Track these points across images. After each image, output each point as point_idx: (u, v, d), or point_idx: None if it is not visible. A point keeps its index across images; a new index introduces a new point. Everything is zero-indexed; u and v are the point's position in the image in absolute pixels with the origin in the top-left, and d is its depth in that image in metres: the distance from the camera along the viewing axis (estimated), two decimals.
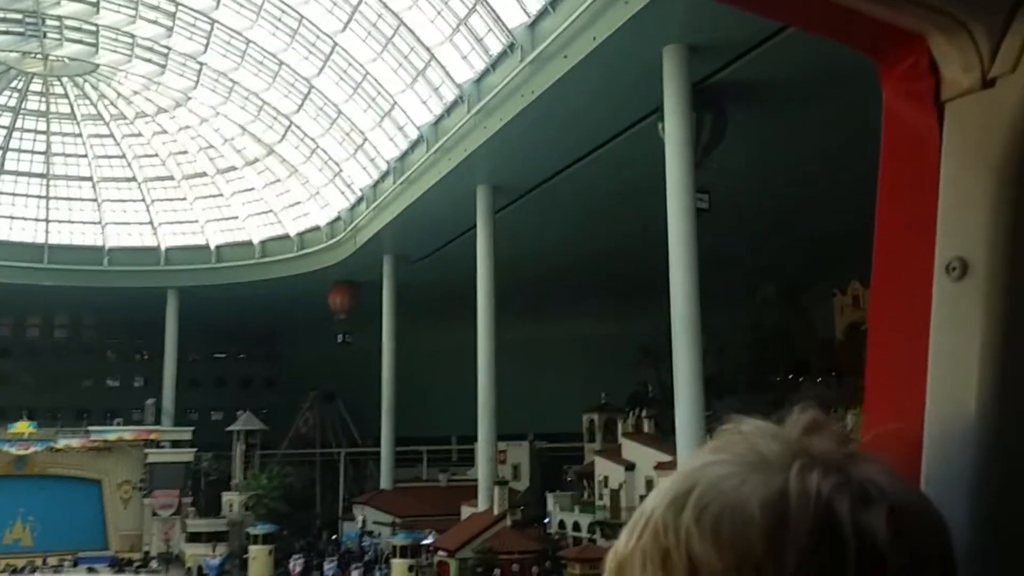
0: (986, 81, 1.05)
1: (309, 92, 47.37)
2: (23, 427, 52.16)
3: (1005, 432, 0.97)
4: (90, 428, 55.33)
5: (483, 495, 40.08)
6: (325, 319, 59.92)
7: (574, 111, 31.55)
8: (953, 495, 0.90)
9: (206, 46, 47.83)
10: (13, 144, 59.56)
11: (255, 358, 77.54)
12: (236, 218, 62.41)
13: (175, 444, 57.12)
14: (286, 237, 60.43)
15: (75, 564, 48.57)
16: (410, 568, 34.17)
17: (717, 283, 42.24)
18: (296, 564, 39.50)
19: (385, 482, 53.02)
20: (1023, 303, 1.00)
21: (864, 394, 1.14)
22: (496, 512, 38.35)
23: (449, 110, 39.18)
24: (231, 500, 51.51)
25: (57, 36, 50.15)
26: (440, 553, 37.80)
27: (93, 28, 48.73)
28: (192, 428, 58.46)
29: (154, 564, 48.54)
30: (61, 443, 52.65)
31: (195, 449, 56.31)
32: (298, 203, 58.70)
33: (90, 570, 47.72)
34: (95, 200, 63.25)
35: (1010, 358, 0.99)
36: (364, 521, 49.48)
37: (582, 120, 32.30)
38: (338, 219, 55.19)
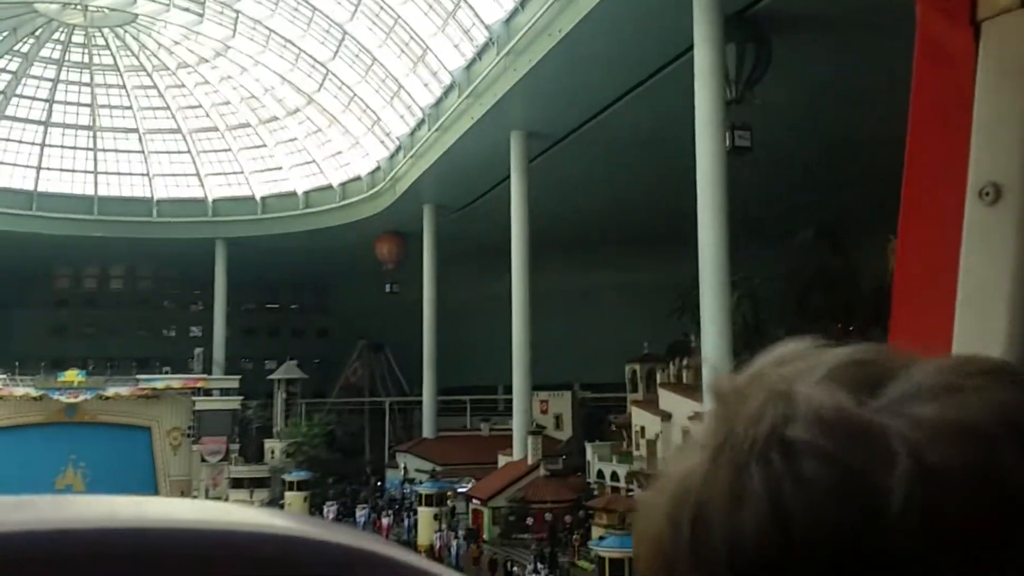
0: None
1: (343, 38, 46.69)
2: (72, 376, 53.38)
3: None
4: (139, 376, 56.37)
5: (518, 444, 39.85)
6: (375, 269, 60.05)
7: (604, 50, 30.34)
8: None
9: None
10: (59, 96, 60.15)
11: (308, 308, 78.42)
12: (280, 168, 62.46)
13: (225, 392, 58.07)
14: (329, 188, 60.35)
15: None
16: (435, 516, 34.21)
17: (756, 227, 40.76)
18: (329, 511, 39.96)
19: (428, 431, 53.21)
20: None
21: (891, 316, 1.09)
22: (530, 461, 38.06)
23: (480, 53, 38.19)
24: (273, 447, 52.28)
25: None
26: (474, 502, 37.74)
27: None
28: (239, 376, 59.28)
29: None
30: (110, 391, 53.79)
31: (242, 397, 57.11)
32: (339, 153, 58.43)
33: None
34: (142, 152, 63.83)
35: None
36: (405, 469, 49.84)
37: (613, 60, 31.06)
38: (378, 169, 54.82)
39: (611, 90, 34.04)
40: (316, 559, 0.68)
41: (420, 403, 57.76)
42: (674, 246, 51.26)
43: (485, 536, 35.96)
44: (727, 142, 26.89)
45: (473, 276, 61.15)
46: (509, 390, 57.22)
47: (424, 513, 35.00)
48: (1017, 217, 0.97)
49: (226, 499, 49.17)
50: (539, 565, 29.16)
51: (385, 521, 38.47)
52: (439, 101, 43.59)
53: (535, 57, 32.52)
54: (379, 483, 53.73)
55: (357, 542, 0.73)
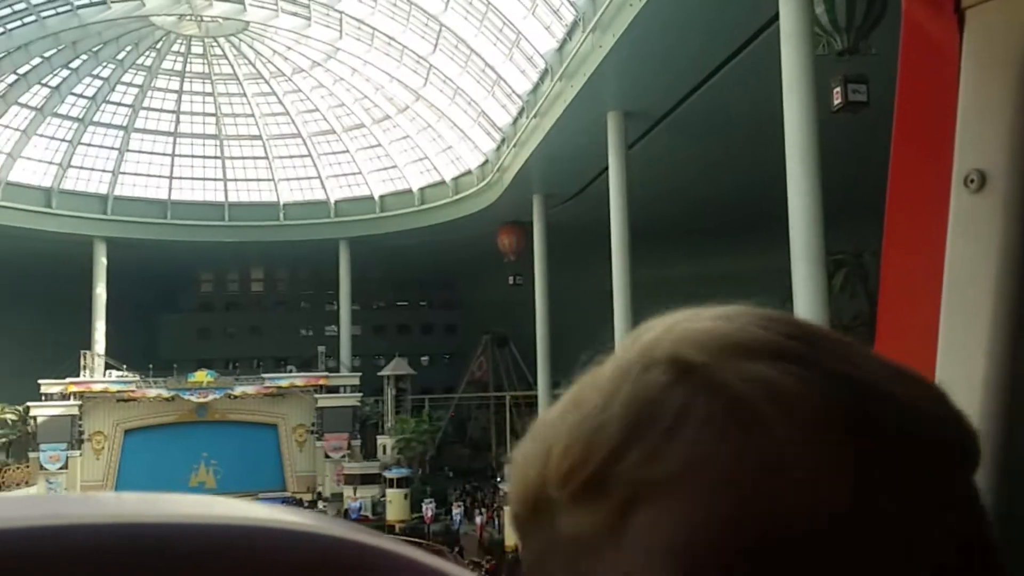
0: None
1: (440, 31, 46.20)
2: (202, 376, 55.26)
3: (1021, 344, 0.95)
4: (264, 376, 57.90)
5: None
6: (499, 262, 59.44)
7: (690, 16, 28.30)
8: (967, 405, 0.86)
9: None
10: (184, 107, 62.59)
11: (436, 304, 79.06)
12: (395, 167, 62.84)
13: (352, 389, 58.80)
14: (442, 183, 60.21)
15: None
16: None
17: (862, 199, 37.12)
18: (428, 508, 39.49)
19: None
20: None
21: (878, 306, 1.11)
22: None
23: (570, 33, 36.74)
24: (384, 443, 52.53)
25: None
26: None
27: None
28: (360, 373, 59.97)
29: (321, 504, 50.29)
30: (238, 390, 55.42)
31: (361, 394, 57.75)
32: (449, 148, 58.16)
33: None
34: (266, 157, 65.66)
35: None
36: None
37: (703, 26, 28.91)
38: (486, 161, 54.19)
39: (706, 61, 31.80)
40: (305, 551, 0.65)
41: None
42: (786, 232, 48.25)
43: None
44: (839, 98, 24.34)
45: (595, 266, 59.60)
46: None
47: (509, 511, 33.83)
48: (1002, 204, 0.95)
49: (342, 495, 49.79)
50: None
51: (479, 519, 37.69)
52: (535, 87, 42.41)
53: (618, 31, 30.77)
54: (498, 480, 53.15)
55: (347, 534, 0.71)
